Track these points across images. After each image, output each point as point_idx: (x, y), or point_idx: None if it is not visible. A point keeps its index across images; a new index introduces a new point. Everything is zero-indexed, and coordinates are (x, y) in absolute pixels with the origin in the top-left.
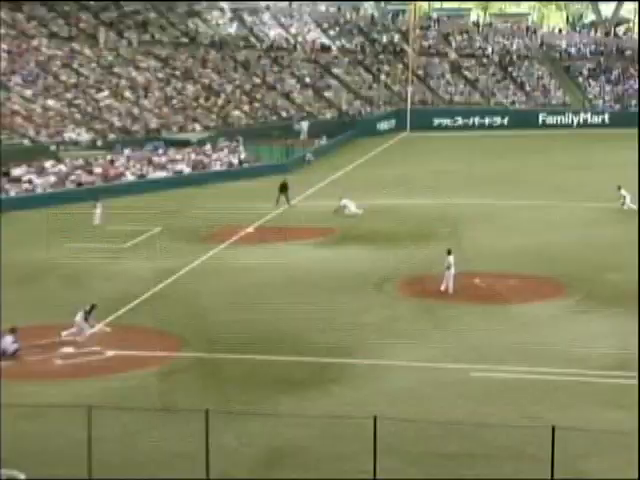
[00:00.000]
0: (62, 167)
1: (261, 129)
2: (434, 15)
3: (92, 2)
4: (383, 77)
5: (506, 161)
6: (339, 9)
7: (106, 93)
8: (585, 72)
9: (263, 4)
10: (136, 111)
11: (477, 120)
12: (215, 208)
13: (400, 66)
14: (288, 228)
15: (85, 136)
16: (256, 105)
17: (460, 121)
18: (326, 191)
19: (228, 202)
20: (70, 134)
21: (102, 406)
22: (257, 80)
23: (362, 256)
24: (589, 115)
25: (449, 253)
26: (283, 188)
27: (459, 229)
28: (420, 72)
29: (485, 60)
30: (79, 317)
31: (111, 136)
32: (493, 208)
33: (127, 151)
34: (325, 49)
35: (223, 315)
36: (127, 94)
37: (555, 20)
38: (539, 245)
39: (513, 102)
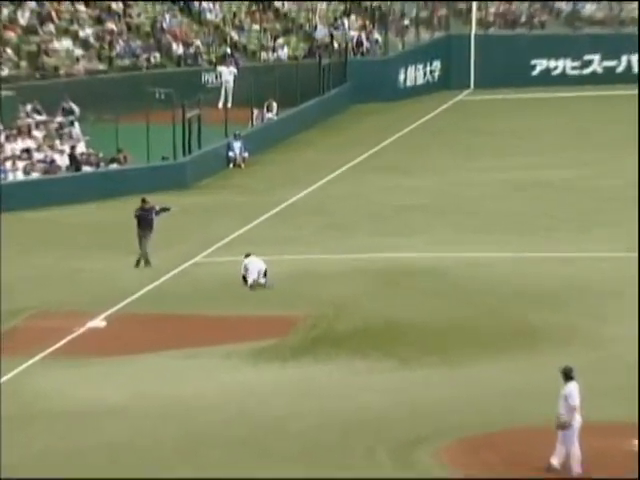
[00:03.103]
0: None
1: (125, 87)
2: None
3: None
4: None
5: None
6: None
7: None
8: None
9: None
10: None
11: (637, 60)
12: (15, 270)
13: None
14: (190, 318)
15: None
16: (110, 26)
17: (596, 63)
18: (276, 231)
19: (44, 256)
20: None
21: None
22: None
23: (360, 383)
24: None
25: (567, 377)
26: (144, 225)
27: (582, 319)
28: None
29: None
30: None
31: None
32: None
33: None
34: None
35: None
36: None
37: None
38: None
39: None
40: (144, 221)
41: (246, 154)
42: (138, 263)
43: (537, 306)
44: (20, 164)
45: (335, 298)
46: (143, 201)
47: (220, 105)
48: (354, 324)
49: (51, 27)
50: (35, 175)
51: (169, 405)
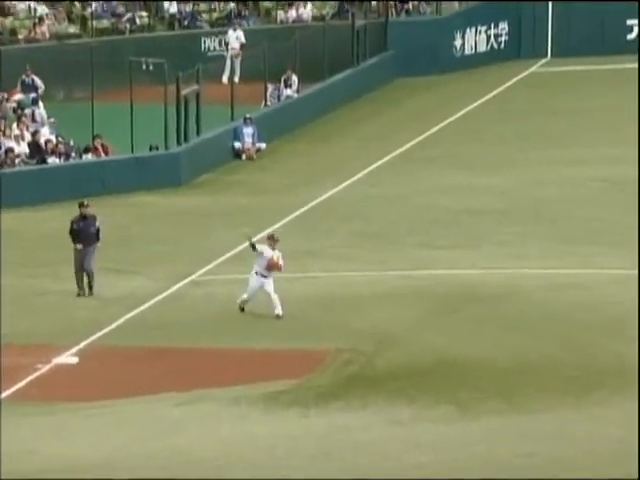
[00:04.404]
0: None
1: (102, 55)
2: None
3: None
4: None
5: None
6: None
7: None
8: None
9: None
10: None
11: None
12: None
13: None
14: (186, 352)
15: None
16: None
17: None
18: (297, 241)
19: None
20: None
21: None
22: None
23: (405, 436)
24: None
25: None
26: (85, 239)
27: None
28: None
29: None
30: None
31: None
32: None
33: None
34: None
35: None
36: None
37: None
38: None
39: None
40: (85, 235)
41: (263, 145)
42: (80, 293)
43: (633, 338)
44: None
45: (373, 327)
46: (82, 205)
47: (225, 79)
48: (398, 361)
49: None
50: None
51: (159, 465)
